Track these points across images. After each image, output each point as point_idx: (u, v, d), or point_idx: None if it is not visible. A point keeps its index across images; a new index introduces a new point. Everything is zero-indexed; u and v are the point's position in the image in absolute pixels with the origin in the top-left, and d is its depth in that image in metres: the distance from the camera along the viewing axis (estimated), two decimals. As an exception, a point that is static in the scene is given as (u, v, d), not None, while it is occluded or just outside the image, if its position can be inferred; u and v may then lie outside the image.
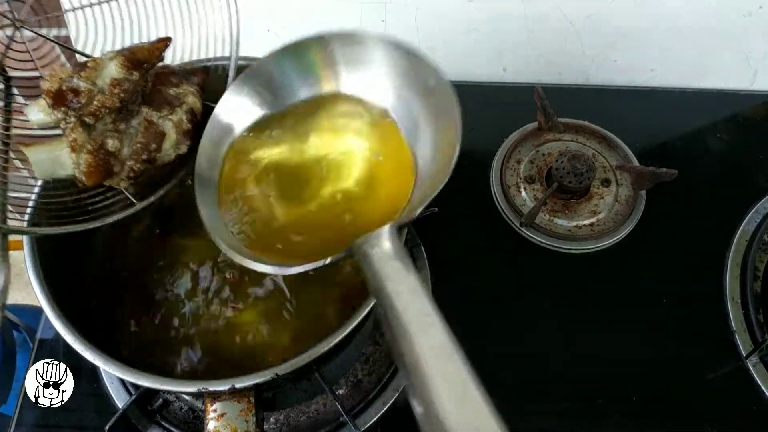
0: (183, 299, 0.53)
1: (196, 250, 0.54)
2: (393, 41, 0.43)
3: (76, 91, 0.40)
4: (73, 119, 0.40)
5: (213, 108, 0.45)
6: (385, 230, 0.36)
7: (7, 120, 0.44)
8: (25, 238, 0.44)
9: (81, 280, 0.51)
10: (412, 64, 0.43)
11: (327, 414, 0.56)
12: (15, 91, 0.45)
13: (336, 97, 0.46)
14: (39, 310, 0.44)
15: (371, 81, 0.45)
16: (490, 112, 0.78)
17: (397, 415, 0.56)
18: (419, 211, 0.38)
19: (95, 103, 0.40)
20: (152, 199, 0.44)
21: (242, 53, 0.52)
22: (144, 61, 0.42)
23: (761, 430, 0.57)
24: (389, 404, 0.56)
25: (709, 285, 0.64)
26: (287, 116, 0.47)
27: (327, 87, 0.46)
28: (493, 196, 0.70)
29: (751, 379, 0.58)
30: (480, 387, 0.27)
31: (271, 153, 0.46)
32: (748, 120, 0.78)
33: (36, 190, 0.45)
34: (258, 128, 0.46)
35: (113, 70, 0.40)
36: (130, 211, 0.43)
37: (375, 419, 0.55)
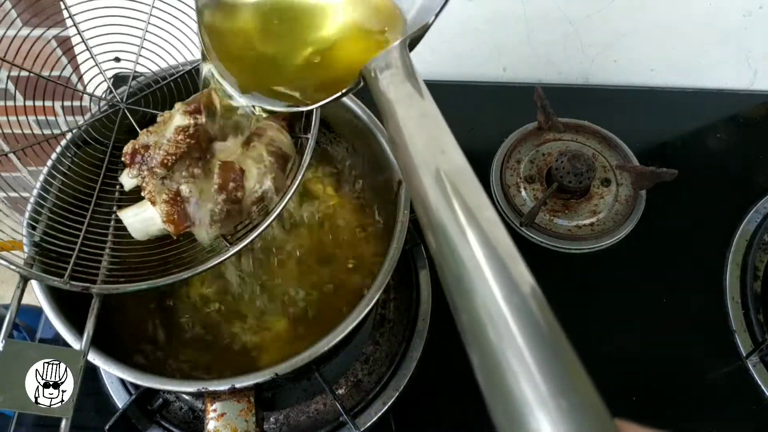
0: (186, 297, 0.53)
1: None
2: None
3: (146, 147, 0.41)
4: (146, 173, 0.40)
5: (306, 138, 0.43)
6: (396, 47, 0.33)
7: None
8: (24, 239, 0.44)
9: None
10: None
11: (327, 414, 0.56)
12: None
13: None
14: (39, 310, 0.44)
15: None
16: (490, 111, 0.78)
17: (397, 415, 0.56)
18: (432, 18, 0.35)
19: (162, 152, 0.40)
20: (246, 241, 0.41)
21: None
22: (207, 106, 0.41)
23: (761, 430, 0.57)
24: (389, 404, 0.56)
25: (709, 285, 0.64)
26: None
27: None
28: (493, 196, 0.70)
29: (751, 379, 0.58)
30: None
31: None
32: (748, 120, 0.78)
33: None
34: None
35: (177, 119, 0.41)
36: (227, 255, 0.41)
37: (375, 419, 0.55)
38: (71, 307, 0.44)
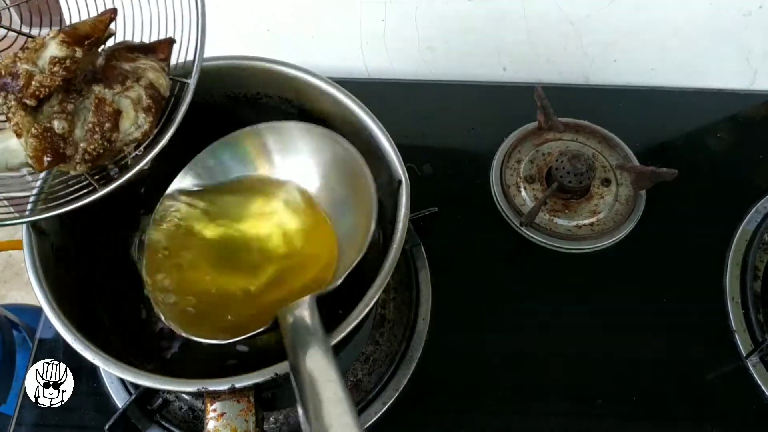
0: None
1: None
2: (311, 126, 0.49)
3: (14, 74, 0.38)
4: (13, 103, 0.38)
5: (184, 83, 0.44)
6: (305, 300, 0.38)
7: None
8: (24, 238, 0.44)
9: (81, 280, 0.51)
10: (332, 146, 0.48)
11: (327, 414, 0.56)
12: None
13: (266, 180, 0.51)
14: (39, 310, 0.44)
15: (297, 164, 0.50)
16: (489, 111, 0.78)
17: (397, 415, 0.56)
18: (339, 282, 0.41)
19: (34, 83, 0.37)
20: (116, 184, 0.40)
21: (243, 53, 0.52)
22: (87, 36, 0.39)
23: (761, 430, 0.57)
24: (389, 404, 0.56)
25: (709, 285, 0.64)
26: (221, 194, 0.51)
27: (260, 170, 0.51)
28: (493, 196, 0.70)
29: (751, 379, 0.58)
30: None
31: (203, 226, 0.49)
32: (748, 120, 0.78)
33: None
34: (192, 201, 0.50)
35: (54, 48, 0.38)
36: (93, 197, 0.40)
37: (375, 419, 0.55)
38: (71, 307, 0.44)
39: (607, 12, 0.74)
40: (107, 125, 0.39)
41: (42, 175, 0.45)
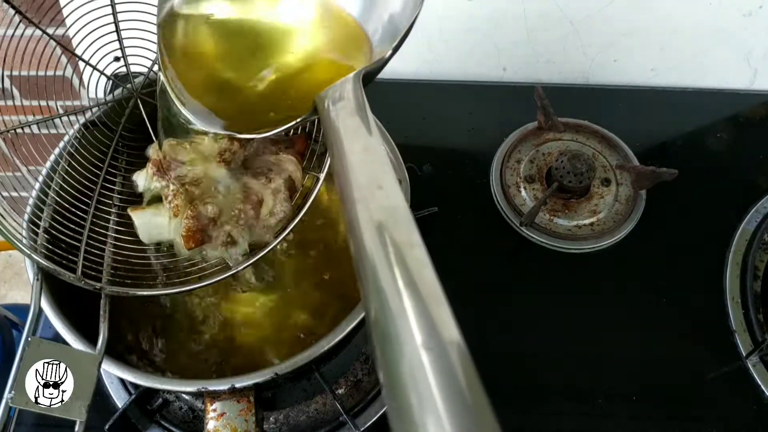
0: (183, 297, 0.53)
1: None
2: None
3: (179, 161, 0.42)
4: (175, 187, 0.41)
5: (316, 177, 0.46)
6: (349, 79, 0.32)
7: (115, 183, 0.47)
8: (25, 240, 0.44)
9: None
10: None
11: (327, 413, 0.56)
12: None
13: None
14: (40, 309, 0.44)
15: None
16: (490, 111, 0.78)
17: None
18: (390, 52, 0.34)
19: (197, 172, 0.42)
20: (248, 263, 0.43)
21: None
22: None
23: (761, 430, 0.57)
24: (389, 404, 0.56)
25: (709, 285, 0.64)
26: None
27: None
28: (493, 196, 0.70)
29: (751, 379, 0.58)
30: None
31: (220, 10, 0.41)
32: (748, 120, 0.78)
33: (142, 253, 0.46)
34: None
35: (215, 140, 0.42)
36: (227, 274, 0.43)
37: (375, 419, 0.55)
38: (71, 307, 0.44)
39: (607, 12, 0.74)
40: (251, 213, 0.43)
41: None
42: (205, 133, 0.43)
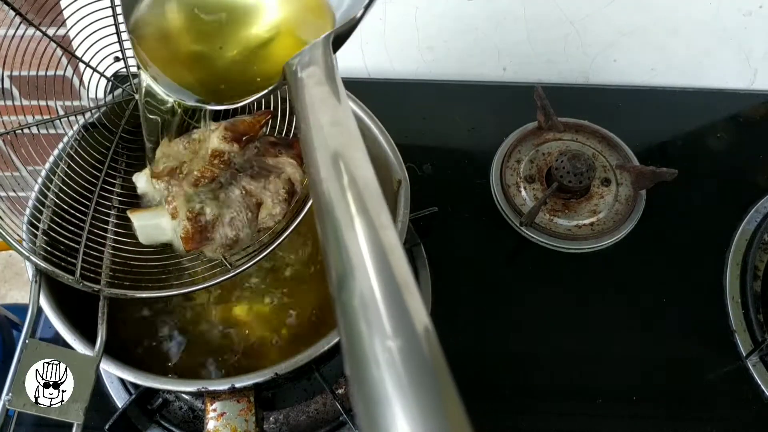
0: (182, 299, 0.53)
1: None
2: None
3: (181, 163, 0.42)
4: (174, 189, 0.42)
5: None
6: (318, 44, 0.31)
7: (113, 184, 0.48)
8: (25, 241, 0.44)
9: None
10: None
11: (327, 413, 0.56)
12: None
13: None
14: (39, 310, 0.44)
15: None
16: (489, 111, 0.78)
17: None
18: (361, 11, 0.33)
19: (195, 173, 0.42)
20: (248, 266, 0.43)
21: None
22: (245, 134, 0.44)
23: (761, 430, 0.57)
24: (389, 404, 0.56)
25: (709, 285, 0.64)
26: None
27: None
28: (493, 196, 0.70)
29: (751, 379, 0.58)
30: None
31: None
32: (748, 120, 0.78)
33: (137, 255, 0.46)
34: None
35: (215, 142, 0.43)
36: (227, 276, 0.43)
37: (375, 419, 0.55)
38: (71, 307, 0.44)
39: (607, 12, 0.74)
40: (250, 215, 0.43)
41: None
42: (190, 129, 0.43)
